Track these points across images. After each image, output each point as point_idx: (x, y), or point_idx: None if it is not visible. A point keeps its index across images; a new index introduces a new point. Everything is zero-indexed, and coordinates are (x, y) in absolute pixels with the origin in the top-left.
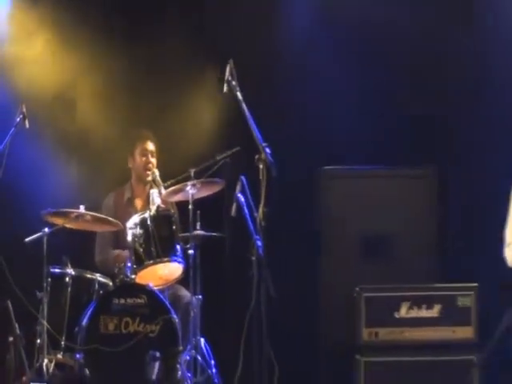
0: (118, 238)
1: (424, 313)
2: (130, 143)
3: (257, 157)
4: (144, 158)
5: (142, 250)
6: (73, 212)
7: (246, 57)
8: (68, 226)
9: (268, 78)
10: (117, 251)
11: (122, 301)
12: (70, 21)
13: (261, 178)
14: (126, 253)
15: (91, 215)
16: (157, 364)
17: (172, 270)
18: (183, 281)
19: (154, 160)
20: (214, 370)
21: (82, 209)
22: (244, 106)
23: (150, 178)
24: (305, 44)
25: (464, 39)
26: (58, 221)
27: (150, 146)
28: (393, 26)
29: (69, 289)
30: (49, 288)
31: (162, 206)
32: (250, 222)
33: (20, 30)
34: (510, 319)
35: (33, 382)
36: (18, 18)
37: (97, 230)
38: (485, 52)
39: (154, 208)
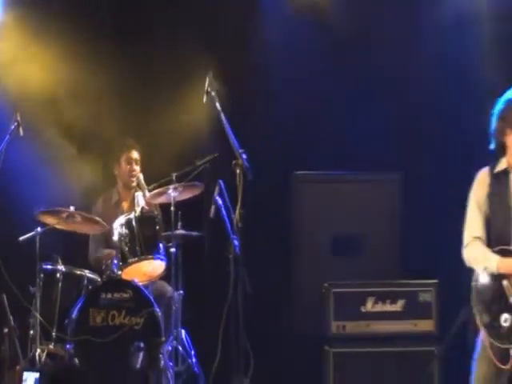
0: (108, 239)
1: (388, 307)
2: (116, 151)
3: (234, 162)
4: (129, 166)
5: (127, 248)
6: (63, 211)
7: (226, 70)
8: (59, 227)
9: (245, 91)
10: (107, 250)
11: (109, 295)
12: (60, 31)
13: (237, 182)
14: (115, 252)
15: (81, 215)
16: (141, 354)
17: (155, 266)
18: (166, 277)
19: (137, 167)
20: (193, 360)
21: (72, 209)
22: (222, 115)
23: (134, 184)
24: (279, 58)
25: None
26: (50, 219)
27: (135, 154)
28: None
29: (59, 284)
30: (41, 283)
31: (146, 207)
32: (227, 223)
33: (11, 40)
34: (466, 314)
35: (26, 370)
36: (9, 27)
37: (85, 232)
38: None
39: (138, 209)
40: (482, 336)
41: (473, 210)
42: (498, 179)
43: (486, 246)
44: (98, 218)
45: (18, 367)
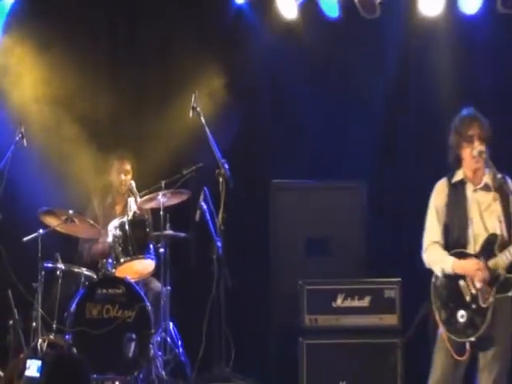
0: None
1: (356, 303)
2: (111, 161)
3: (217, 171)
4: (120, 176)
5: (120, 248)
6: (63, 213)
7: (209, 89)
8: (59, 229)
9: (229, 107)
10: (99, 245)
11: (104, 291)
12: (59, 48)
13: (220, 189)
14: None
15: (78, 218)
16: (133, 344)
17: (146, 265)
18: (155, 274)
19: (129, 176)
20: (180, 349)
21: (71, 212)
22: (206, 128)
23: (123, 191)
24: (261, 75)
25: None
26: (51, 220)
27: (126, 165)
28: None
29: (59, 281)
30: (43, 280)
31: (138, 212)
32: (211, 226)
33: (12, 57)
34: (426, 309)
35: (29, 358)
36: (10, 45)
37: (82, 236)
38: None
39: (131, 214)
40: (441, 330)
41: (432, 216)
42: (455, 189)
43: (443, 249)
44: (92, 222)
45: (21, 355)
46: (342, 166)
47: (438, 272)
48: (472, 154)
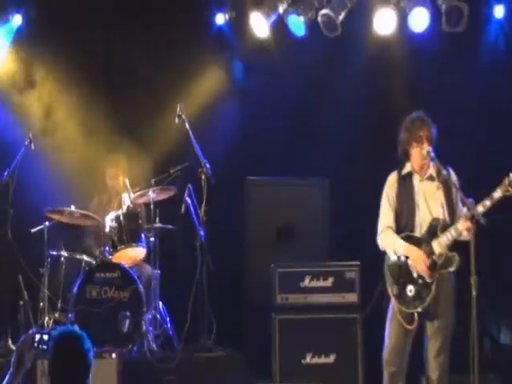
0: (100, 232)
1: (321, 283)
2: (106, 164)
3: (200, 170)
4: (112, 181)
5: (116, 238)
6: (66, 210)
7: (192, 95)
8: (62, 220)
9: (209, 116)
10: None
11: (102, 274)
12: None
13: (202, 185)
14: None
15: (79, 212)
16: (127, 321)
17: (138, 252)
18: (146, 260)
19: (120, 179)
20: (169, 325)
21: (72, 207)
22: (190, 133)
23: (115, 193)
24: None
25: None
26: (55, 216)
27: (117, 170)
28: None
29: (63, 266)
30: (48, 266)
31: (131, 206)
32: (194, 218)
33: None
34: (382, 288)
35: (38, 333)
36: (15, 59)
37: (83, 224)
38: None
39: (125, 208)
40: (393, 303)
41: (385, 205)
42: (404, 180)
43: (395, 233)
44: (92, 214)
45: (31, 331)
46: (309, 165)
47: (390, 253)
48: (421, 153)
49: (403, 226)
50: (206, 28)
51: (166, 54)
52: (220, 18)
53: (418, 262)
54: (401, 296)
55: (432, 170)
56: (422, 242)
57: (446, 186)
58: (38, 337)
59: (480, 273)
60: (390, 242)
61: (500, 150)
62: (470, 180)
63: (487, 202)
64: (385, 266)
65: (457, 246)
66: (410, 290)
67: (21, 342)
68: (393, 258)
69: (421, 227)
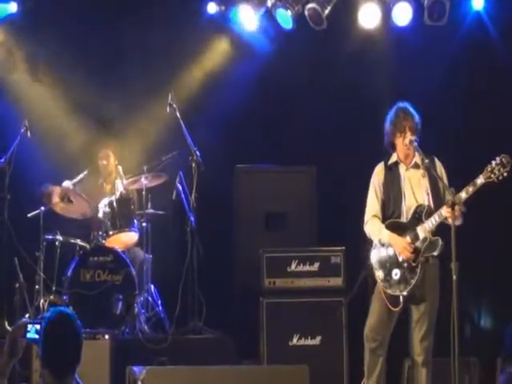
0: (94, 217)
1: (307, 268)
2: (98, 147)
3: (190, 158)
4: (103, 162)
5: (109, 223)
6: (60, 188)
7: (183, 85)
8: (57, 209)
9: (200, 105)
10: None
11: (96, 258)
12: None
13: (193, 172)
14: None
15: (73, 194)
16: (120, 303)
17: (131, 237)
18: (139, 244)
19: (111, 161)
20: (160, 308)
21: (66, 183)
22: (181, 121)
23: (107, 174)
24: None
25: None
26: (53, 197)
27: (108, 152)
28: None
29: (58, 250)
30: (44, 249)
31: (124, 192)
32: (185, 204)
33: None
34: (366, 273)
35: (29, 323)
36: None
37: (73, 216)
38: None
39: (118, 193)
40: (379, 286)
41: (372, 194)
42: (390, 170)
43: (381, 222)
44: (84, 196)
45: (23, 319)
46: (296, 153)
47: (376, 242)
48: (404, 142)
49: (390, 213)
50: (198, 17)
51: (158, 40)
52: (212, 8)
53: (402, 250)
54: (387, 279)
55: (417, 158)
56: (408, 228)
57: (430, 174)
58: (30, 326)
59: (461, 258)
60: (375, 232)
61: (482, 137)
62: (453, 168)
63: (470, 189)
64: (371, 251)
65: (442, 231)
66: (396, 273)
67: (13, 329)
68: (379, 244)
69: (407, 214)
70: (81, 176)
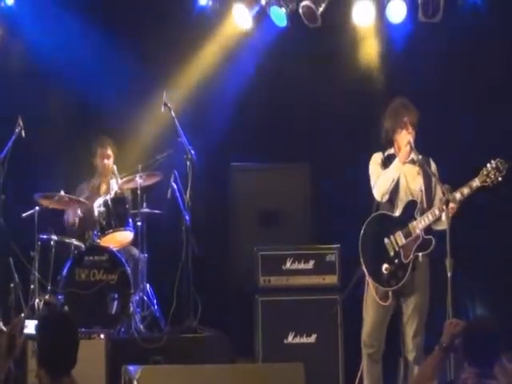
0: (90, 216)
1: (302, 265)
2: (94, 147)
3: (185, 156)
4: (103, 161)
5: (104, 222)
6: (55, 195)
7: (177, 85)
8: (51, 206)
9: (194, 103)
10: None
11: (91, 258)
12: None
13: (188, 171)
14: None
15: (68, 197)
16: (115, 302)
17: (126, 236)
18: (134, 243)
19: (111, 160)
20: (155, 307)
21: (62, 192)
22: (176, 121)
23: (106, 173)
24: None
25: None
26: (45, 202)
27: (108, 150)
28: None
29: (53, 250)
30: (39, 249)
31: (119, 191)
32: (180, 202)
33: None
34: (360, 271)
35: (28, 318)
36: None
37: (72, 209)
38: None
39: (113, 193)
40: (369, 281)
41: (374, 165)
42: (388, 160)
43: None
44: (81, 199)
45: (21, 315)
46: (290, 150)
47: (389, 184)
48: (406, 137)
49: (386, 203)
50: (191, 15)
51: (153, 41)
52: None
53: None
54: (376, 274)
55: (414, 155)
56: (399, 223)
57: (425, 171)
58: (27, 322)
59: (455, 255)
60: (385, 177)
61: (479, 136)
62: (448, 168)
63: (465, 190)
64: (359, 243)
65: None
66: (385, 268)
67: (11, 326)
68: (370, 237)
69: (399, 207)
70: (82, 197)
